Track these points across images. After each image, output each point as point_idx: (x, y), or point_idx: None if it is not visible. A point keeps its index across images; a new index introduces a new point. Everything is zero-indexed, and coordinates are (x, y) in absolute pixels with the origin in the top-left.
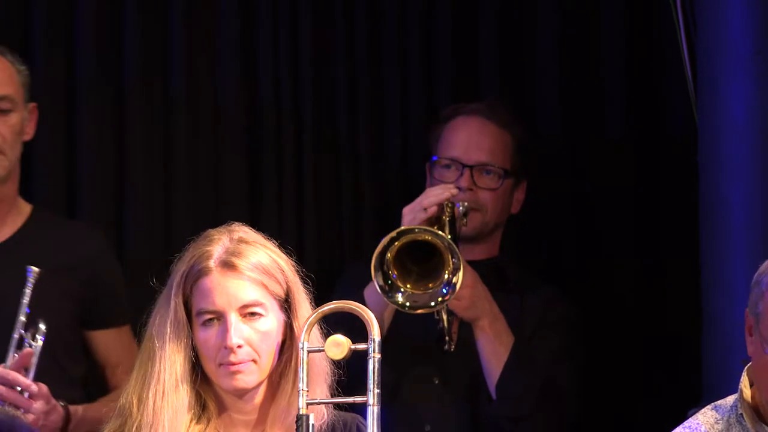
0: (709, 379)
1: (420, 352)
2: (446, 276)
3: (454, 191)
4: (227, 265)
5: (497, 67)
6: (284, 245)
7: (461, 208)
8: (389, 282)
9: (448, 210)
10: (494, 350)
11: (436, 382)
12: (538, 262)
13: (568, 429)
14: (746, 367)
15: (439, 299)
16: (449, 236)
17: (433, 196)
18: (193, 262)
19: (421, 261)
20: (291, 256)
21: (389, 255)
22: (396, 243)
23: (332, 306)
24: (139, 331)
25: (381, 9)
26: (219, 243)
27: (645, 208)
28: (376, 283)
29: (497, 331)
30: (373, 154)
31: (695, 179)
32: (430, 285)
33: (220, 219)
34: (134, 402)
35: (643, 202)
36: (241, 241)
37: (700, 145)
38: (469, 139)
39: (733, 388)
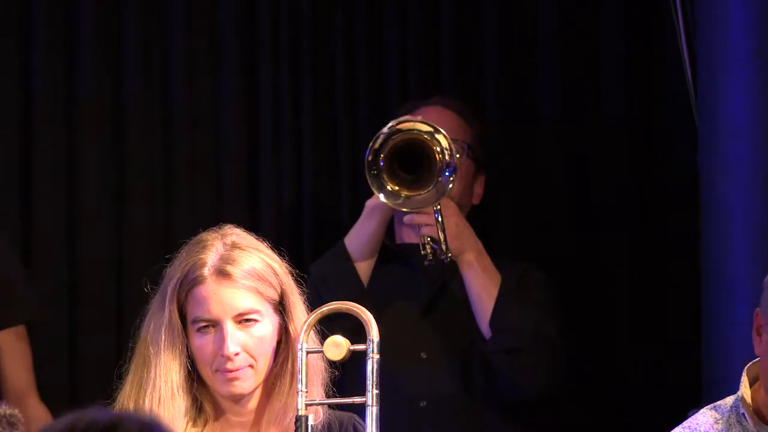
0: (709, 379)
1: (403, 330)
2: (441, 161)
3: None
4: (222, 273)
5: (497, 70)
6: (282, 246)
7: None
8: (379, 179)
9: None
10: (484, 285)
11: (424, 356)
12: (536, 260)
13: (560, 376)
14: (746, 368)
15: (449, 185)
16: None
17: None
18: (187, 270)
19: (410, 171)
20: (284, 257)
21: (383, 151)
22: (391, 141)
23: (331, 307)
24: (133, 334)
25: (381, 8)
26: (212, 249)
27: (645, 208)
28: (385, 200)
29: (484, 265)
30: None
31: (695, 179)
32: (431, 180)
33: (219, 220)
34: (130, 408)
35: (643, 202)
36: (234, 246)
37: (700, 145)
38: (431, 121)
39: (733, 388)
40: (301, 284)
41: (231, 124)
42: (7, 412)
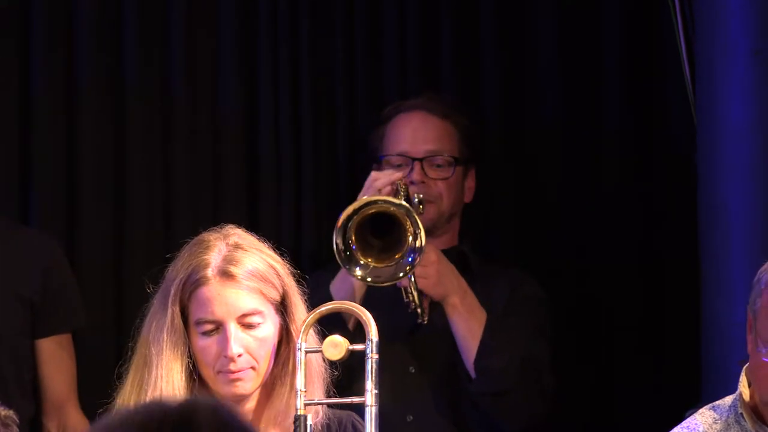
0: (708, 379)
1: (393, 343)
2: (409, 242)
3: (401, 174)
4: (225, 274)
5: (496, 70)
6: (281, 247)
7: (416, 199)
8: (353, 259)
9: (403, 190)
10: (468, 327)
11: (413, 371)
12: (534, 261)
13: (547, 407)
14: (744, 367)
15: (407, 267)
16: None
17: (385, 176)
18: (190, 271)
19: (382, 236)
20: (285, 257)
21: (351, 231)
22: (355, 217)
23: (330, 307)
24: (133, 334)
25: (380, 9)
26: (215, 250)
27: (644, 209)
28: (360, 273)
29: (469, 306)
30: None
31: (694, 179)
32: (396, 256)
33: (219, 221)
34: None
35: (642, 203)
36: (237, 247)
37: (699, 145)
38: (414, 132)
39: (732, 388)
40: (302, 284)
41: (231, 125)
42: (2, 413)
